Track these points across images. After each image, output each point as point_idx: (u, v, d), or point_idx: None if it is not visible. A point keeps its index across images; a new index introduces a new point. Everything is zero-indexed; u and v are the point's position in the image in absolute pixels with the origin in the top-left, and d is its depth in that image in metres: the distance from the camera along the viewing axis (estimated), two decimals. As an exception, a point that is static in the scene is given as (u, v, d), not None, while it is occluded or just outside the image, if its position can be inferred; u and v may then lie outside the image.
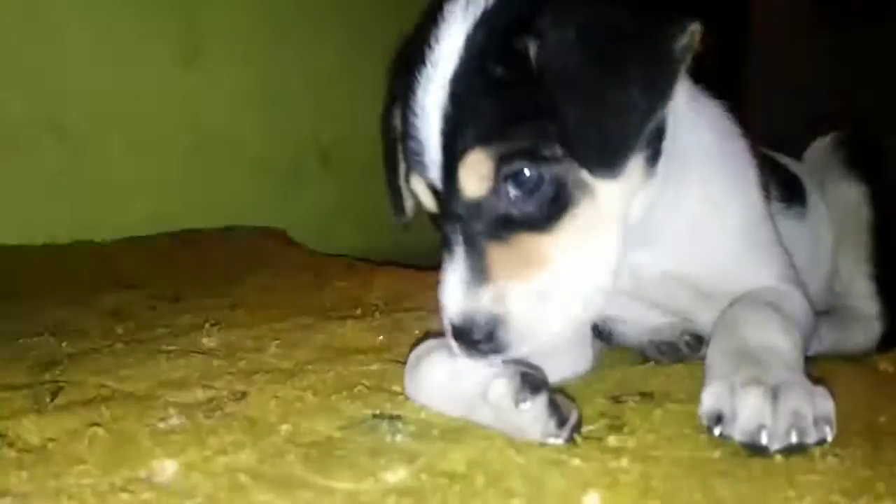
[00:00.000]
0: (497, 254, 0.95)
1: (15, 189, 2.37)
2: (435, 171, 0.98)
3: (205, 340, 1.40)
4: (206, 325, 1.51)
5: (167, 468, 0.85)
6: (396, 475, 0.82)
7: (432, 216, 1.06)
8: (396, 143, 1.12)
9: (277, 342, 1.37)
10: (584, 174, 0.95)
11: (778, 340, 0.97)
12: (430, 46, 0.99)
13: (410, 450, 0.89)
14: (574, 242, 0.96)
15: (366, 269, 2.31)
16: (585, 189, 0.96)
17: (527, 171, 0.94)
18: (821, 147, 1.67)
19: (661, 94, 0.92)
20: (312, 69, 2.93)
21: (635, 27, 0.93)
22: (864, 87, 4.01)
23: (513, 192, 0.95)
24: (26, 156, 2.38)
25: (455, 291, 0.95)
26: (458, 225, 0.97)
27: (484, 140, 0.93)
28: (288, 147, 2.99)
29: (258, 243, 2.64)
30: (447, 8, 1.02)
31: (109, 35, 2.54)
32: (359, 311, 1.64)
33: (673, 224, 1.12)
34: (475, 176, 0.94)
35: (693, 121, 1.13)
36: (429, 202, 1.04)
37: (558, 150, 0.93)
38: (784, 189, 1.49)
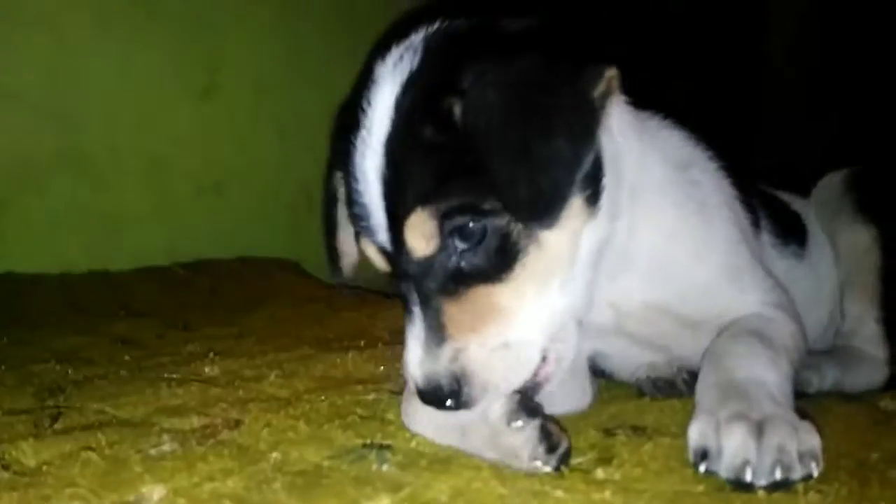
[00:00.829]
0: (452, 310, 0.96)
1: (33, 219, 2.43)
2: (382, 234, 1.00)
3: (207, 369, 1.42)
4: (210, 354, 1.53)
5: (155, 493, 0.86)
6: (379, 504, 0.82)
7: (388, 275, 1.06)
8: (335, 204, 1.17)
9: (277, 371, 1.38)
10: None
11: (764, 373, 0.97)
12: (363, 110, 1.01)
13: (396, 479, 0.89)
14: (528, 290, 0.97)
15: (375, 301, 2.32)
16: (531, 237, 0.97)
17: (471, 225, 0.95)
18: (831, 184, 1.65)
19: (584, 141, 0.93)
20: (326, 101, 2.96)
21: (552, 79, 0.95)
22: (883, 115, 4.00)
23: (460, 246, 0.96)
24: (45, 187, 2.44)
25: (415, 353, 0.96)
26: (411, 284, 0.98)
27: (424, 200, 0.94)
28: (301, 178, 3.03)
29: (270, 274, 2.67)
30: (377, 70, 1.04)
31: (129, 70, 2.61)
32: (363, 342, 1.66)
33: (638, 256, 1.13)
34: (421, 235, 0.95)
35: (643, 153, 1.15)
36: (380, 263, 1.05)
37: (497, 203, 0.94)
38: (781, 226, 1.48)
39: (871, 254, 1.53)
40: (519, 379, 0.97)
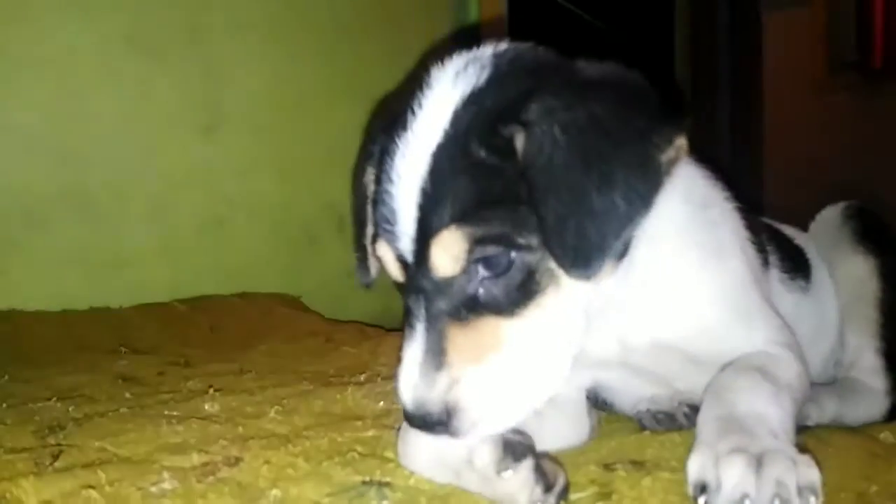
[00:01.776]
0: (457, 336, 0.94)
1: (33, 257, 2.44)
2: (406, 243, 0.97)
3: (207, 406, 1.42)
4: (211, 391, 1.53)
5: (154, 531, 0.86)
6: (378, 542, 0.83)
7: (397, 284, 1.05)
8: (366, 202, 1.12)
9: (277, 408, 1.38)
10: (553, 264, 0.94)
11: (766, 408, 0.97)
12: (413, 113, 1.00)
13: (395, 517, 0.90)
14: (536, 330, 0.96)
15: (376, 336, 2.33)
16: (553, 279, 0.95)
17: (499, 256, 0.93)
18: (829, 217, 1.66)
19: (643, 203, 0.91)
20: (328, 138, 3.01)
21: (624, 131, 0.93)
22: (883, 153, 4.03)
23: (482, 274, 0.94)
24: (48, 224, 2.46)
25: (410, 376, 0.94)
26: (421, 300, 0.96)
27: (461, 220, 0.93)
28: (304, 214, 3.06)
29: (272, 310, 2.67)
30: (435, 75, 1.03)
31: (132, 109, 2.65)
32: (363, 378, 1.66)
33: (651, 294, 1.13)
34: (448, 255, 0.93)
35: (665, 197, 1.14)
36: (395, 271, 1.03)
37: (533, 240, 0.93)
38: (787, 261, 1.49)
39: (870, 284, 1.53)
40: (511, 420, 0.96)
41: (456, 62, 1.04)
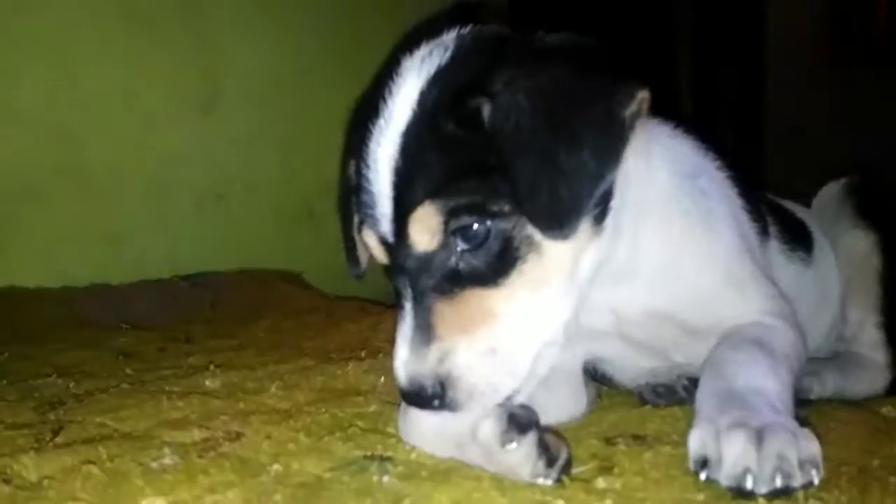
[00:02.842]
0: (444, 310, 0.96)
1: (35, 233, 2.43)
2: (386, 225, 0.99)
3: (208, 381, 1.42)
4: (211, 367, 1.53)
5: (156, 506, 0.86)
6: (380, 515, 0.82)
7: (385, 269, 1.06)
8: (351, 194, 1.12)
9: (278, 383, 1.38)
10: (531, 230, 0.95)
11: (764, 381, 0.97)
12: (384, 100, 1.01)
13: (397, 491, 0.89)
14: (521, 298, 0.97)
15: (377, 312, 2.32)
16: (533, 245, 0.96)
17: (475, 226, 0.95)
18: (830, 193, 1.66)
19: (611, 159, 0.93)
20: (328, 113, 2.97)
21: (585, 92, 0.95)
22: (886, 131, 4.01)
23: (461, 246, 0.95)
24: (47, 201, 2.45)
25: (403, 352, 0.96)
26: (407, 279, 0.98)
27: (433, 194, 0.94)
28: (303, 190, 3.04)
29: (272, 286, 2.67)
30: (403, 63, 1.04)
31: (130, 85, 2.62)
32: (363, 353, 1.66)
33: (642, 264, 1.13)
34: (425, 229, 0.95)
35: (651, 164, 1.14)
36: (380, 255, 1.04)
37: (506, 206, 0.94)
38: (787, 232, 1.49)
39: (871, 259, 1.53)
40: (505, 387, 0.96)
41: (422, 48, 1.06)
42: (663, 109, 1.24)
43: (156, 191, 2.68)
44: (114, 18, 2.59)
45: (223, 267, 2.73)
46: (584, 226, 0.98)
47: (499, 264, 0.96)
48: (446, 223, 0.94)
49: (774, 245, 1.42)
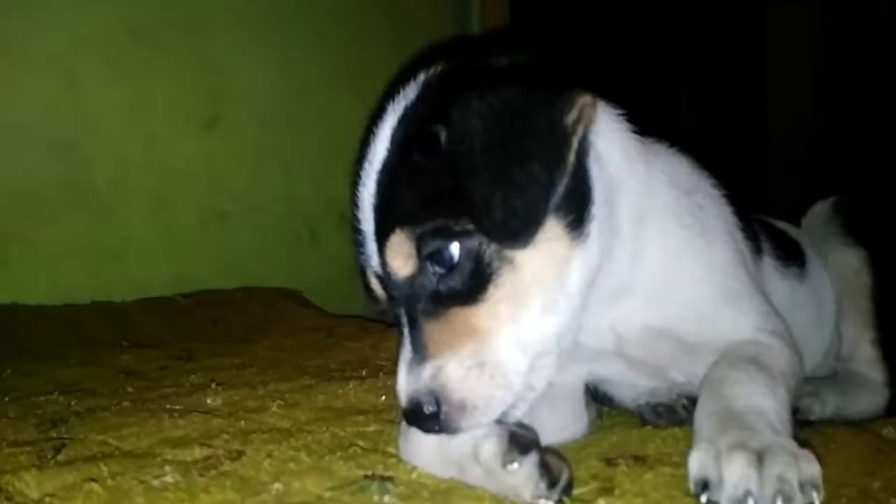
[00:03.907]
0: (433, 330, 0.98)
1: (38, 249, 2.45)
2: (374, 259, 1.04)
3: (209, 400, 1.42)
4: (213, 385, 1.54)
5: (157, 525, 0.86)
6: (380, 535, 0.83)
7: (388, 302, 1.09)
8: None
9: (279, 402, 1.38)
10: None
11: (763, 401, 0.97)
12: (367, 144, 1.07)
13: (398, 510, 0.89)
14: (503, 312, 0.98)
15: (377, 331, 2.32)
16: (504, 260, 0.99)
17: (445, 248, 0.98)
18: (819, 211, 1.68)
19: (558, 166, 0.96)
20: (330, 132, 3.01)
21: (529, 106, 0.98)
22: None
23: (436, 269, 0.99)
24: (50, 217, 2.46)
25: (402, 374, 0.99)
26: (399, 306, 1.02)
27: (404, 221, 0.98)
28: (305, 209, 3.06)
29: (274, 304, 2.68)
30: (392, 105, 1.10)
31: (135, 104, 2.65)
32: (364, 372, 1.66)
33: (641, 279, 1.15)
34: (399, 256, 0.99)
35: (650, 178, 1.17)
36: (380, 290, 1.08)
37: (469, 226, 0.97)
38: (780, 249, 1.50)
39: (862, 276, 1.54)
40: (498, 401, 0.97)
41: (401, 91, 1.11)
42: (663, 129, 1.28)
43: (159, 208, 2.70)
44: (119, 36, 2.62)
45: (225, 284, 2.74)
46: (556, 233, 1.00)
47: (474, 282, 0.98)
48: (418, 248, 0.98)
49: (768, 262, 1.44)
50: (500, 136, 0.96)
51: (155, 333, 2.27)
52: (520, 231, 0.95)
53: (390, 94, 1.11)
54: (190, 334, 2.27)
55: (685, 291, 1.18)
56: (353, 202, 1.07)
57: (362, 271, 1.20)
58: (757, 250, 1.37)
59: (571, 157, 0.96)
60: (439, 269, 0.99)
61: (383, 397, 1.43)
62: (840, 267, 1.57)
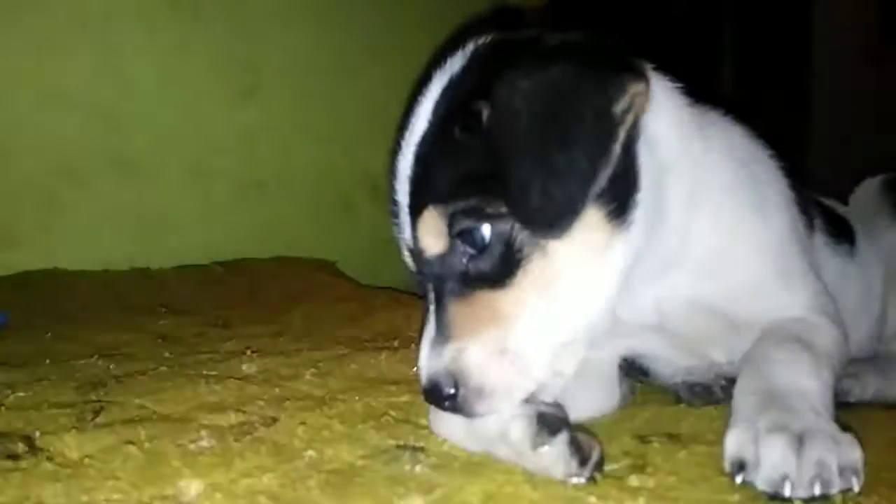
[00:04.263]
0: (459, 311, 0.97)
1: (76, 217, 2.49)
2: (407, 231, 1.02)
3: (244, 367, 1.44)
4: (248, 352, 1.55)
5: (192, 488, 0.88)
6: (411, 505, 0.83)
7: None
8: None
9: (313, 370, 1.39)
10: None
11: (806, 382, 0.95)
12: (409, 114, 1.05)
13: (429, 481, 0.90)
14: (530, 298, 0.96)
15: (410, 302, 2.33)
16: (536, 246, 0.95)
17: (476, 228, 0.95)
18: (868, 190, 1.64)
19: (602, 156, 0.91)
20: (366, 103, 3.01)
21: (577, 90, 0.94)
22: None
23: (465, 249, 0.97)
24: (88, 186, 2.50)
25: (423, 351, 0.98)
26: (428, 282, 1.01)
27: (437, 199, 0.97)
28: (340, 180, 3.07)
29: (308, 274, 2.70)
30: (437, 75, 1.07)
31: (173, 72, 2.66)
32: (396, 343, 1.67)
33: (691, 253, 1.12)
34: (430, 233, 0.98)
35: (706, 150, 1.13)
36: (410, 262, 1.07)
37: (503, 208, 0.94)
38: (832, 226, 1.47)
39: None
40: (518, 388, 0.95)
41: (447, 61, 1.08)
42: (710, 96, 1.23)
43: (196, 177, 2.72)
44: (158, 5, 2.62)
45: (260, 254, 2.76)
46: (595, 223, 0.96)
47: (504, 266, 0.96)
48: (449, 227, 0.96)
49: (820, 238, 1.40)
50: (544, 119, 0.92)
51: (191, 300, 2.30)
52: (556, 220, 0.92)
53: (436, 63, 1.08)
54: (225, 302, 2.30)
55: (737, 267, 1.15)
56: (391, 172, 1.06)
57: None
58: (810, 226, 1.34)
59: (617, 149, 0.92)
60: (469, 250, 0.97)
61: (415, 368, 1.43)
62: (889, 246, 1.53)
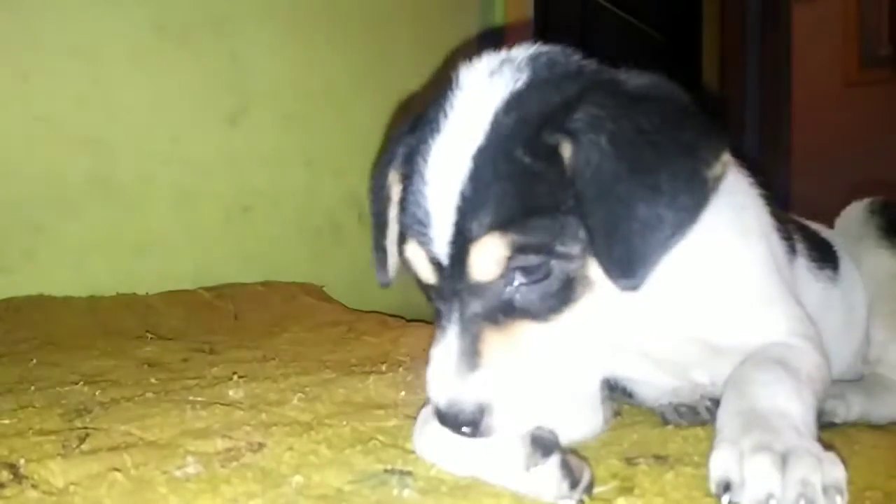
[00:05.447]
0: (491, 338, 0.95)
1: (64, 244, 2.47)
2: (441, 246, 0.97)
3: (231, 392, 1.43)
4: (235, 377, 1.55)
5: (179, 515, 0.87)
6: (399, 529, 0.83)
7: (421, 284, 1.05)
8: (389, 204, 1.13)
9: (300, 395, 1.39)
10: (591, 272, 0.95)
11: (788, 403, 0.96)
12: (445, 114, 0.99)
13: (417, 505, 0.90)
14: (569, 334, 0.97)
15: (397, 326, 2.34)
16: (588, 286, 0.96)
17: (539, 264, 0.94)
18: (854, 212, 1.65)
19: (689, 217, 0.91)
20: (352, 129, 3.03)
21: (673, 145, 0.92)
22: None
23: (520, 280, 0.95)
24: (76, 212, 2.48)
25: (444, 374, 0.95)
26: (456, 303, 0.96)
27: (502, 227, 0.92)
28: (327, 204, 3.08)
29: (295, 298, 2.70)
30: (466, 75, 1.03)
31: (160, 98, 2.66)
32: (384, 367, 1.67)
33: (673, 281, 1.10)
34: (487, 261, 0.93)
35: None
36: (425, 273, 1.02)
37: (574, 249, 0.93)
38: (814, 251, 1.48)
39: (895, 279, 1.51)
40: (534, 420, 0.96)
41: (488, 62, 1.04)
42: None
43: (183, 202, 2.72)
44: (145, 30, 2.63)
45: (247, 278, 2.76)
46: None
47: (553, 302, 0.96)
48: (510, 258, 0.93)
49: (802, 263, 1.42)
50: (635, 168, 0.90)
51: (177, 326, 2.29)
52: (635, 273, 0.90)
53: (463, 62, 1.04)
54: (212, 327, 2.29)
55: (718, 295, 1.15)
56: (415, 171, 0.99)
57: (380, 239, 1.16)
58: (791, 251, 1.35)
59: (703, 212, 0.91)
60: (523, 282, 0.95)
61: (402, 393, 1.43)
62: (873, 270, 1.54)
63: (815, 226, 1.64)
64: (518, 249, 0.93)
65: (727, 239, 1.16)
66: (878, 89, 4.55)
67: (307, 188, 3.03)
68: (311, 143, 3.04)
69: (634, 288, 0.92)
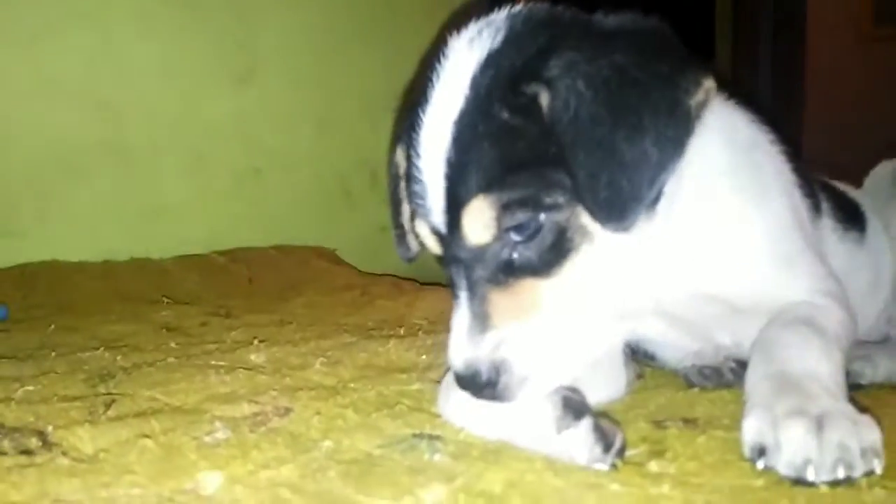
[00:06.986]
0: (498, 299, 0.95)
1: (76, 208, 2.46)
2: (438, 216, 0.98)
3: (252, 356, 1.43)
4: (255, 342, 1.55)
5: (212, 481, 0.87)
6: (434, 494, 0.82)
7: (438, 258, 1.05)
8: (399, 181, 1.13)
9: (322, 359, 1.39)
10: (585, 220, 0.94)
11: (818, 365, 0.95)
12: (432, 84, 1.00)
13: (449, 469, 0.89)
14: (574, 286, 0.96)
15: (411, 289, 2.33)
16: (585, 234, 0.95)
17: (529, 219, 0.93)
18: (884, 172, 1.63)
19: (675, 150, 0.89)
20: (363, 90, 2.99)
21: (649, 79, 0.91)
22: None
23: (515, 238, 0.94)
24: (87, 177, 2.47)
25: (459, 339, 0.95)
26: (461, 270, 0.97)
27: (488, 187, 0.92)
28: (339, 167, 3.05)
29: (308, 262, 2.69)
30: (451, 45, 1.02)
31: (169, 60, 2.63)
32: (402, 331, 1.67)
33: (693, 241, 1.10)
34: (478, 224, 0.94)
35: (706, 136, 1.07)
36: (433, 245, 1.04)
37: (560, 198, 0.92)
38: (840, 211, 1.46)
39: None
40: (559, 375, 0.95)
41: (470, 29, 1.03)
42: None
43: (194, 165, 2.70)
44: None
45: (259, 242, 2.75)
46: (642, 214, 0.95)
47: (552, 255, 0.95)
48: (500, 218, 0.93)
49: (827, 223, 1.40)
50: (613, 108, 0.89)
51: (193, 290, 2.30)
52: (622, 213, 0.89)
53: (453, 28, 1.03)
54: (227, 291, 2.29)
55: (737, 256, 1.13)
56: (411, 144, 1.00)
57: (398, 217, 1.18)
58: (815, 209, 1.33)
59: (689, 142, 0.90)
60: (518, 239, 0.94)
61: (423, 356, 1.43)
62: None
63: (841, 186, 1.61)
64: (504, 207, 0.92)
65: (744, 196, 1.14)
66: (891, 45, 4.48)
67: (319, 149, 3.01)
68: (322, 104, 3.00)
69: (626, 230, 0.91)
